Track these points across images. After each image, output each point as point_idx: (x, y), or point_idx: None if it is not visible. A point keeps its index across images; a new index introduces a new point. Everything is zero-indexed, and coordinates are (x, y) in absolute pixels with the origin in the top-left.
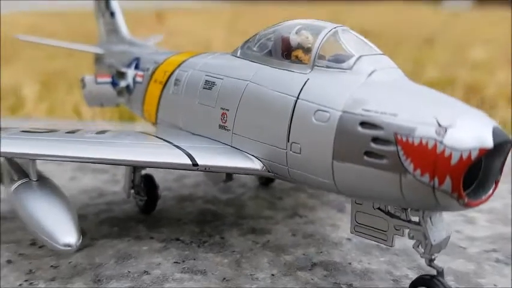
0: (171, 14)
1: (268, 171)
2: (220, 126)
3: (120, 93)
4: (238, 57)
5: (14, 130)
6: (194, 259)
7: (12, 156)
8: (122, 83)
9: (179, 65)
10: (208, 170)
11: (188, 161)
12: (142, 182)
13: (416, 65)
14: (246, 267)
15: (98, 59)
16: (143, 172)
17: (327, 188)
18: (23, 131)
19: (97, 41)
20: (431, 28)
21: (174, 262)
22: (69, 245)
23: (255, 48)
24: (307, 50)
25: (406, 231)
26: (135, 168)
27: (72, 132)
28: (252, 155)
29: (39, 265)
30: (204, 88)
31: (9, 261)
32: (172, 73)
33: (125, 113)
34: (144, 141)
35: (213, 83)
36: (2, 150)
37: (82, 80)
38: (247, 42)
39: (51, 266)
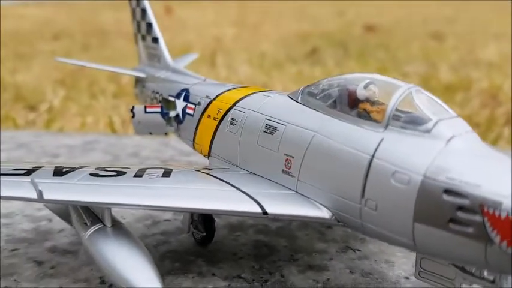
0: (179, 6)
1: (338, 221)
2: (284, 172)
3: (169, 122)
4: (298, 102)
5: (82, 173)
6: None
7: (89, 205)
8: (172, 113)
9: (234, 104)
10: (277, 218)
11: (258, 209)
12: (200, 216)
13: (429, 65)
14: None
15: (139, 81)
16: None
17: (404, 245)
18: (92, 174)
19: (108, 40)
20: (438, 22)
21: None
22: None
23: (318, 97)
24: (375, 105)
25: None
26: None
27: (140, 176)
28: (320, 204)
29: None
30: (265, 132)
31: None
32: (227, 111)
33: None
34: (212, 186)
35: (275, 128)
36: (80, 199)
37: (132, 110)
38: (307, 88)
39: None
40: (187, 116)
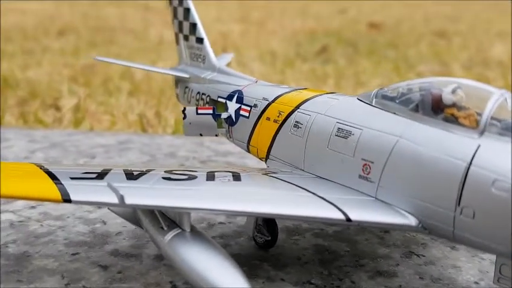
0: None
1: (424, 229)
2: (361, 177)
3: (220, 124)
4: (373, 106)
5: (155, 177)
6: None
7: (170, 210)
8: (223, 115)
9: (297, 107)
10: (360, 225)
11: (341, 216)
12: (264, 220)
13: (441, 64)
14: None
15: (181, 81)
16: None
17: (500, 253)
18: (164, 178)
19: (114, 36)
20: (440, 20)
21: None
22: None
23: (397, 101)
24: (462, 110)
25: None
26: None
27: (212, 179)
28: (405, 211)
29: None
30: (337, 136)
31: None
32: (290, 114)
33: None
34: (288, 191)
35: (349, 132)
36: (162, 204)
37: (183, 111)
38: (381, 91)
39: None
40: (241, 118)
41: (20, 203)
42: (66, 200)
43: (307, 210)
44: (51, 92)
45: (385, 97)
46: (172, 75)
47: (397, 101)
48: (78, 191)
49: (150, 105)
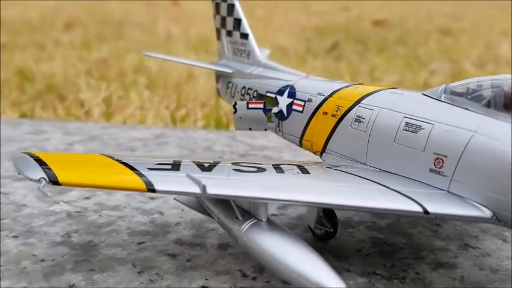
0: None
1: (498, 220)
2: (433, 171)
3: (269, 118)
4: (442, 101)
5: (226, 169)
6: None
7: (252, 200)
8: (274, 109)
9: (358, 101)
10: (438, 217)
11: (419, 208)
12: (325, 212)
13: (452, 62)
14: None
15: (223, 76)
16: None
17: None
18: (236, 170)
19: (122, 30)
20: (442, 18)
21: None
22: None
23: (469, 97)
24: None
25: None
26: None
27: (282, 172)
28: (479, 203)
29: None
30: (405, 130)
31: None
32: (350, 109)
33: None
34: (361, 184)
35: (419, 127)
36: (244, 195)
37: (234, 106)
38: (449, 86)
39: None
40: (293, 113)
41: (74, 194)
42: (151, 189)
43: (387, 203)
44: (68, 85)
45: (454, 93)
46: (215, 70)
47: (468, 97)
48: (161, 181)
49: (170, 100)
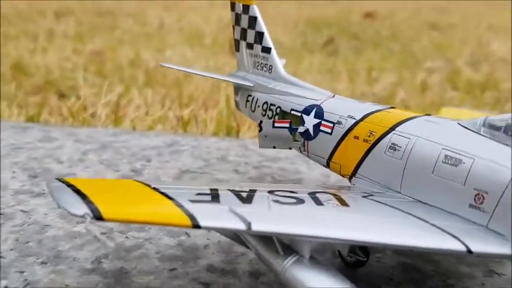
0: None
1: None
2: (472, 206)
3: (295, 137)
4: (481, 134)
5: (265, 200)
6: None
7: (296, 237)
8: (300, 129)
9: (392, 128)
10: (479, 256)
11: (462, 247)
12: None
13: (445, 60)
14: None
15: (242, 89)
16: None
17: None
18: (275, 201)
19: (115, 20)
20: (431, 12)
21: None
22: None
23: (509, 132)
24: None
25: None
26: None
27: (321, 204)
28: None
29: None
30: (444, 163)
31: None
32: (384, 135)
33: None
34: (399, 218)
35: (459, 160)
36: (289, 232)
37: (259, 124)
38: (488, 120)
39: None
40: (321, 134)
41: None
42: (196, 226)
43: (429, 242)
44: (66, 81)
45: (494, 127)
46: (235, 83)
47: (510, 133)
48: (205, 216)
49: (172, 98)
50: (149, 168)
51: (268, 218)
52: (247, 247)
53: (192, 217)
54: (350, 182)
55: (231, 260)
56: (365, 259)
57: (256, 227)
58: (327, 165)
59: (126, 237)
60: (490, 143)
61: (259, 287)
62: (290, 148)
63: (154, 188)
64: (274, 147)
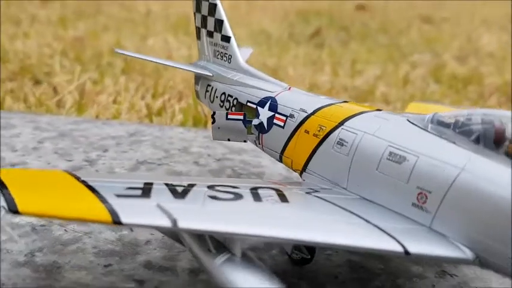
0: None
1: (480, 263)
2: (415, 205)
3: (249, 130)
4: (428, 131)
5: (201, 195)
6: None
7: (225, 235)
8: (255, 121)
9: (341, 123)
10: (417, 258)
11: (400, 248)
12: None
13: (432, 54)
14: None
15: (202, 78)
16: None
17: None
18: (210, 197)
19: (100, 5)
20: (424, 5)
21: None
22: None
23: (457, 130)
24: None
25: None
26: None
27: (259, 200)
28: (461, 244)
29: None
30: (388, 159)
31: None
32: (332, 130)
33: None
34: (338, 216)
35: (403, 158)
36: (217, 230)
37: (212, 116)
38: (437, 116)
39: None
40: (274, 127)
41: None
42: (117, 222)
43: (365, 242)
44: (42, 67)
45: (442, 124)
46: (195, 72)
47: (457, 131)
48: (128, 212)
49: (147, 87)
50: (104, 159)
51: (198, 215)
52: (183, 245)
53: (113, 213)
54: (301, 177)
55: (172, 257)
56: (309, 257)
57: (183, 224)
58: (280, 160)
59: (65, 230)
60: (437, 140)
61: (197, 284)
62: (245, 141)
63: (82, 181)
64: (229, 140)
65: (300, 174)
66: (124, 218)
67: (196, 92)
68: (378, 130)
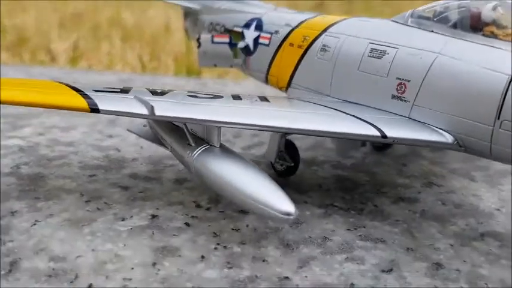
0: None
1: (459, 146)
2: (395, 97)
3: (236, 54)
4: (408, 25)
5: (180, 95)
6: (364, 227)
7: (202, 123)
8: (240, 44)
9: (325, 30)
10: (395, 142)
11: (376, 133)
12: (286, 147)
13: None
14: (420, 237)
15: (190, 14)
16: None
17: None
18: (190, 96)
19: None
20: None
21: (347, 229)
22: (289, 214)
23: (435, 19)
24: (501, 28)
25: None
26: (283, 134)
27: (239, 99)
28: (440, 129)
29: (220, 228)
30: (369, 56)
31: (187, 224)
32: (316, 38)
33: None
34: (320, 110)
35: (383, 52)
36: (194, 117)
37: (198, 39)
38: (416, 11)
39: (232, 229)
40: (260, 47)
41: (27, 130)
42: (94, 109)
43: (342, 127)
44: (40, 37)
45: (421, 16)
46: (181, 5)
47: (435, 19)
48: (106, 102)
49: (144, 52)
50: None
51: (175, 106)
52: (166, 147)
53: (91, 102)
54: (286, 93)
55: (158, 170)
56: (293, 165)
57: (160, 112)
58: (266, 81)
59: (52, 150)
60: (416, 31)
61: (182, 190)
62: (231, 66)
63: (65, 84)
64: (215, 66)
65: (286, 91)
66: (102, 106)
67: (186, 30)
68: (359, 31)
